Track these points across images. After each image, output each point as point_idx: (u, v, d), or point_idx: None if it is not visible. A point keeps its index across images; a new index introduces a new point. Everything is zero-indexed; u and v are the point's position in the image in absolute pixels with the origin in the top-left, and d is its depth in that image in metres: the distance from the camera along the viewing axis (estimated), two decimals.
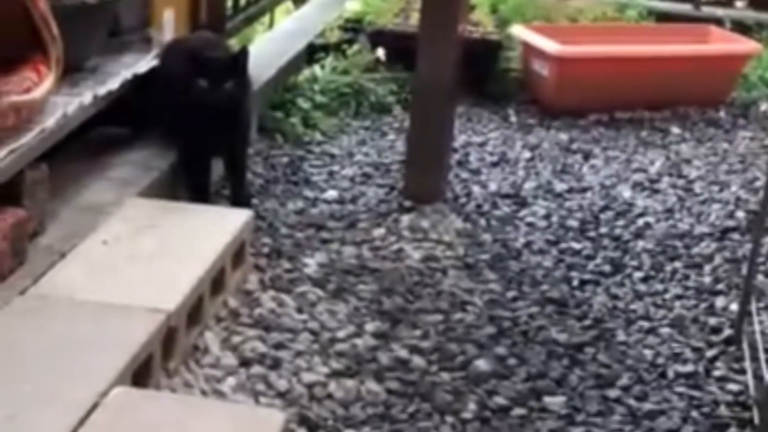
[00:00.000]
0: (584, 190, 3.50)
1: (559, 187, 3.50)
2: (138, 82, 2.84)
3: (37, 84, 2.37)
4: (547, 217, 3.25)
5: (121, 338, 2.00)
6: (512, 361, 2.42)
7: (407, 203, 3.22)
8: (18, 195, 2.25)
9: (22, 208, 2.24)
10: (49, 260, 2.27)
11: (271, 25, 4.47)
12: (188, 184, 2.87)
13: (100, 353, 1.94)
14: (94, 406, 1.79)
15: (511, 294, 2.73)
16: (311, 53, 4.24)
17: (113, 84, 2.72)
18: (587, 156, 3.83)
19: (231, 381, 2.21)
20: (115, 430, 1.74)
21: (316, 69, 4.14)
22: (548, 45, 4.23)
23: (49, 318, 2.06)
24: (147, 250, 2.38)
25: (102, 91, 2.66)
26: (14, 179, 2.23)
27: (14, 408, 1.75)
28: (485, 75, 4.32)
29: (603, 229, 3.19)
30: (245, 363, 2.29)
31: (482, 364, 2.38)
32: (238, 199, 2.94)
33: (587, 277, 2.87)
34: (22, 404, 1.76)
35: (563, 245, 3.06)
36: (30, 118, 2.33)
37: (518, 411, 2.24)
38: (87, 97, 2.58)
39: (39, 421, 1.72)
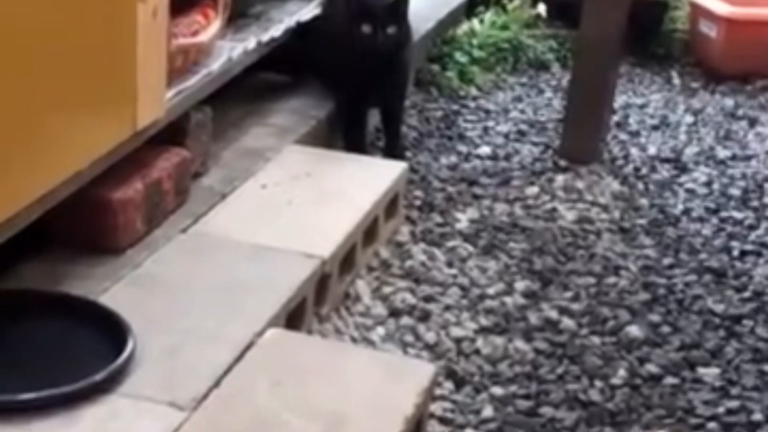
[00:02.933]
0: (748, 158, 3.36)
1: (722, 153, 3.37)
2: (300, 29, 2.87)
3: (204, 27, 2.41)
4: (708, 184, 3.14)
5: (277, 281, 2.04)
6: (666, 329, 2.35)
7: (562, 163, 3.16)
8: (182, 136, 2.31)
9: (186, 148, 2.30)
10: (210, 201, 2.32)
11: None
12: (345, 134, 2.89)
13: (256, 294, 1.98)
14: (250, 345, 1.83)
15: (667, 261, 2.65)
16: (471, 7, 4.18)
17: (276, 31, 2.75)
18: (753, 123, 3.67)
19: (380, 330, 2.23)
20: (270, 369, 1.78)
21: (475, 23, 4.08)
22: (718, 5, 4.06)
23: (209, 257, 2.11)
24: (304, 196, 2.41)
25: (265, 37, 2.70)
26: (179, 120, 2.29)
27: (176, 341, 1.80)
28: (649, 35, 4.18)
29: (766, 199, 3.06)
30: (395, 313, 2.30)
31: (634, 330, 2.32)
32: (393, 151, 2.94)
33: (748, 247, 2.76)
34: (182, 339, 1.81)
35: (724, 214, 2.95)
36: (197, 61, 2.38)
37: (670, 380, 2.18)
38: (251, 43, 2.62)
39: (198, 356, 1.77)
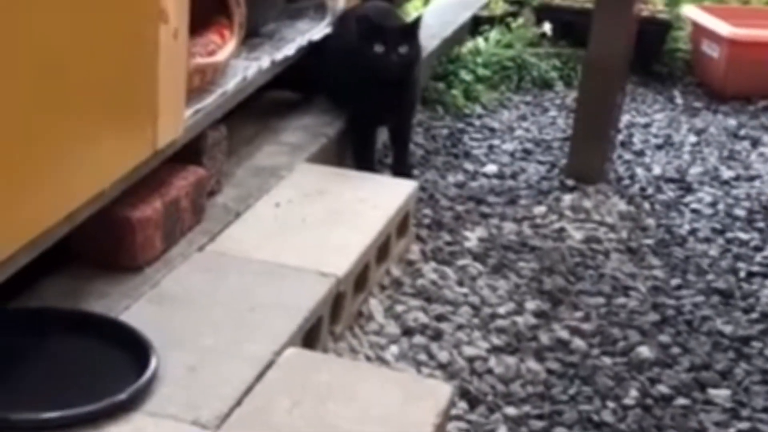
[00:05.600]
0: (752, 178, 3.40)
1: (726, 174, 3.40)
2: (311, 48, 2.89)
3: (220, 47, 2.43)
4: (713, 204, 3.17)
5: (294, 299, 2.05)
6: (676, 350, 2.37)
7: (569, 182, 3.18)
8: (199, 154, 2.32)
9: (202, 167, 2.31)
10: (225, 219, 2.34)
11: (426, 2, 4.44)
12: (355, 152, 2.92)
13: (274, 312, 2.00)
14: (270, 364, 1.85)
15: (675, 281, 2.68)
16: (475, 25, 4.22)
17: (289, 50, 2.77)
18: (756, 143, 3.71)
19: (394, 349, 2.25)
20: (290, 389, 1.79)
21: (480, 41, 4.12)
22: (720, 26, 4.10)
23: (226, 275, 2.12)
24: (317, 214, 2.43)
25: (279, 56, 2.71)
26: (196, 139, 2.30)
27: (194, 360, 1.82)
28: (653, 54, 4.23)
29: None
30: (408, 332, 2.32)
31: (645, 351, 2.35)
32: (401, 169, 2.96)
33: (755, 269, 2.78)
34: (203, 357, 1.82)
35: (730, 234, 2.98)
36: (213, 81, 2.39)
37: (681, 401, 2.20)
38: (265, 62, 2.64)
39: (220, 374, 1.78)
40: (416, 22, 2.76)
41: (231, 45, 2.45)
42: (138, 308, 1.95)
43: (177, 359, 1.80)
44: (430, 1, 4.45)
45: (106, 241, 2.03)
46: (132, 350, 1.78)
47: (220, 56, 2.40)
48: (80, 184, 1.79)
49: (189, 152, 2.27)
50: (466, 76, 3.88)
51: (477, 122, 3.66)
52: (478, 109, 3.77)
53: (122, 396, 1.66)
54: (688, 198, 3.20)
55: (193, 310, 1.98)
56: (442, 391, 1.90)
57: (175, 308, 1.97)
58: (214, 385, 1.76)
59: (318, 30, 2.95)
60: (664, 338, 2.41)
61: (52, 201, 1.71)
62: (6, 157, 1.58)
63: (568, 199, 3.08)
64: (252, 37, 2.72)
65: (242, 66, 2.56)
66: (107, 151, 1.86)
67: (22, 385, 1.70)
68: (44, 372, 1.75)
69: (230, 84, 2.45)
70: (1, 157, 1.57)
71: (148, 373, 1.71)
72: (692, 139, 3.69)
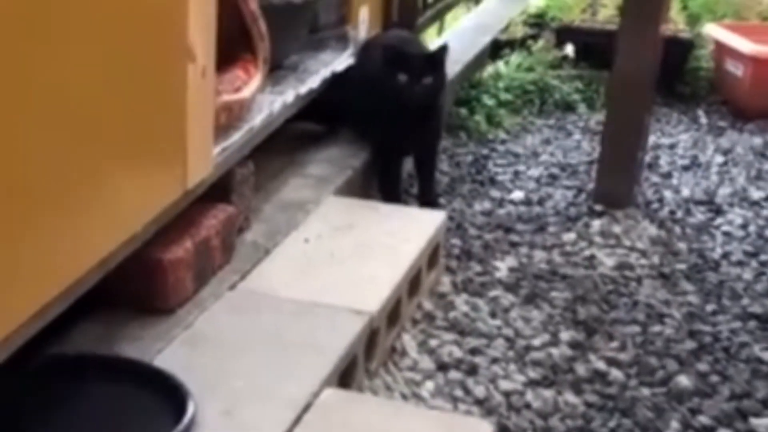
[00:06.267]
0: None
1: (756, 194, 3.36)
2: (335, 79, 2.87)
3: (246, 83, 2.41)
4: (744, 226, 3.13)
5: (328, 339, 2.03)
6: (715, 379, 2.33)
7: (598, 207, 3.14)
8: (227, 192, 2.31)
9: (231, 204, 2.30)
10: (255, 256, 2.31)
11: (440, 31, 4.40)
12: (381, 183, 2.89)
13: (309, 352, 1.97)
14: (307, 406, 1.82)
15: (710, 307, 2.64)
16: (495, 49, 4.20)
17: (313, 82, 2.76)
18: None
19: (429, 385, 2.22)
20: (329, 431, 1.76)
21: (501, 65, 4.10)
22: (743, 44, 4.07)
23: (258, 315, 2.10)
24: (346, 249, 2.40)
25: (303, 89, 2.70)
26: (224, 176, 2.28)
27: (229, 404, 1.79)
28: (675, 74, 4.19)
29: None
30: (442, 367, 2.28)
31: (684, 380, 2.30)
32: (427, 198, 2.94)
33: None
34: (236, 400, 1.80)
35: (763, 257, 2.93)
36: (240, 117, 2.38)
37: (724, 431, 2.17)
38: (290, 96, 2.62)
39: (255, 418, 1.75)
40: (441, 52, 2.74)
41: (256, 80, 2.44)
42: (171, 351, 1.92)
43: (212, 403, 1.77)
44: (444, 31, 4.42)
45: (138, 283, 2.01)
46: (168, 396, 1.75)
47: (246, 92, 2.39)
48: (113, 229, 1.78)
49: (217, 190, 2.26)
50: (488, 100, 3.85)
51: (501, 147, 3.64)
52: (502, 134, 3.74)
53: None
54: (719, 220, 3.16)
55: (227, 351, 1.95)
56: (481, 428, 1.88)
57: (208, 350, 1.95)
58: (252, 429, 1.73)
59: (340, 61, 2.94)
60: (702, 366, 2.37)
61: (86, 247, 1.70)
62: (40, 206, 1.56)
63: (597, 224, 3.04)
64: (275, 69, 2.71)
65: (268, 101, 2.54)
66: (139, 193, 1.85)
67: None
68: (80, 418, 1.72)
69: (257, 120, 2.43)
70: (36, 206, 1.55)
71: (186, 420, 1.68)
72: (719, 159, 3.65)
